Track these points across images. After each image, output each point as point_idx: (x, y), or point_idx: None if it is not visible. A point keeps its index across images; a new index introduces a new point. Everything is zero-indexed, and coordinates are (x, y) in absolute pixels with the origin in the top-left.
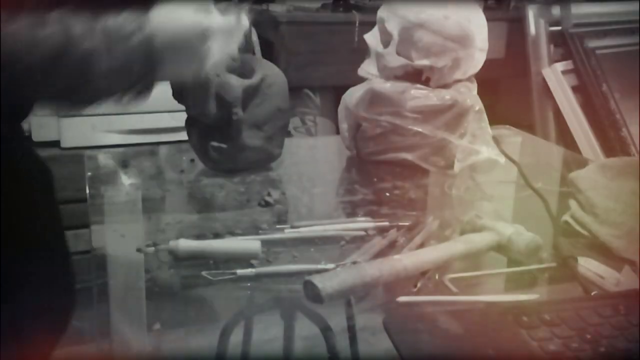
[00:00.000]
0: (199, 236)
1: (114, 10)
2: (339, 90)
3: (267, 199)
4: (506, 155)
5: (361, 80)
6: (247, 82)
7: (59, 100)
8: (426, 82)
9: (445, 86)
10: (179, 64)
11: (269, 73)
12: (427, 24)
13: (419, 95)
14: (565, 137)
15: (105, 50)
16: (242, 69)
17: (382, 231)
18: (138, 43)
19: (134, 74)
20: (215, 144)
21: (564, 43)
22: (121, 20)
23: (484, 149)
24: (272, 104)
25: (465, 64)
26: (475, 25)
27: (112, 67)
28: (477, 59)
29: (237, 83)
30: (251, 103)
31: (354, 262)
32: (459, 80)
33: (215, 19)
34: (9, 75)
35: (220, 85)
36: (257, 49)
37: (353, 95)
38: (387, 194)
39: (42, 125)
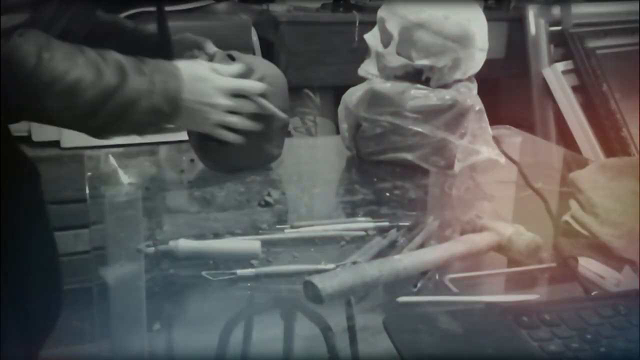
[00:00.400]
0: (199, 236)
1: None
2: (339, 90)
3: (267, 199)
4: (506, 155)
5: (361, 80)
6: None
7: (93, 131)
8: (426, 82)
9: (446, 86)
10: (196, 116)
11: (269, 73)
12: (427, 24)
13: (419, 95)
14: (566, 137)
15: (147, 92)
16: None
17: (382, 231)
18: (171, 88)
19: (163, 116)
20: (213, 143)
21: (564, 43)
22: (158, 65)
23: (484, 149)
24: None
25: (466, 64)
26: (476, 25)
27: (149, 107)
28: (477, 59)
29: None
30: None
31: (354, 262)
32: (459, 80)
33: (232, 81)
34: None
35: None
36: (257, 49)
37: (353, 95)
38: (387, 194)
39: (41, 125)
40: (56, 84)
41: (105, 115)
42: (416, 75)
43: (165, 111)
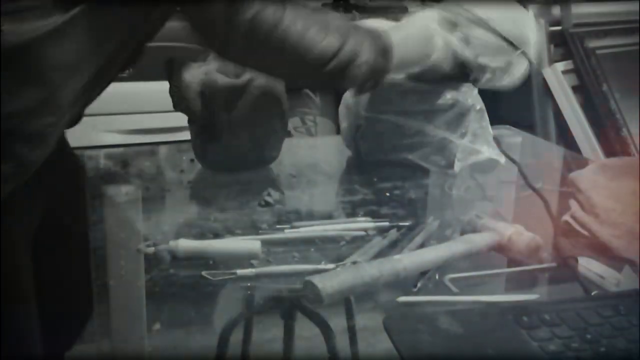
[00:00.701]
0: (199, 236)
1: None
2: (339, 90)
3: (267, 199)
4: (507, 156)
5: None
6: (231, 82)
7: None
8: (474, 83)
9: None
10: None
11: (260, 75)
12: (485, 21)
13: (419, 95)
14: (566, 137)
15: (363, 51)
16: (236, 69)
17: (382, 231)
18: (382, 45)
19: (380, 71)
20: (199, 142)
21: (564, 43)
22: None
23: (484, 148)
24: (260, 106)
25: (516, 69)
26: (530, 30)
27: (366, 64)
28: (525, 65)
29: (220, 82)
30: (238, 104)
31: (354, 262)
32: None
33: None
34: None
35: (205, 83)
36: None
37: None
38: (387, 194)
39: None
40: (290, 42)
41: (328, 72)
42: (463, 74)
43: (379, 65)
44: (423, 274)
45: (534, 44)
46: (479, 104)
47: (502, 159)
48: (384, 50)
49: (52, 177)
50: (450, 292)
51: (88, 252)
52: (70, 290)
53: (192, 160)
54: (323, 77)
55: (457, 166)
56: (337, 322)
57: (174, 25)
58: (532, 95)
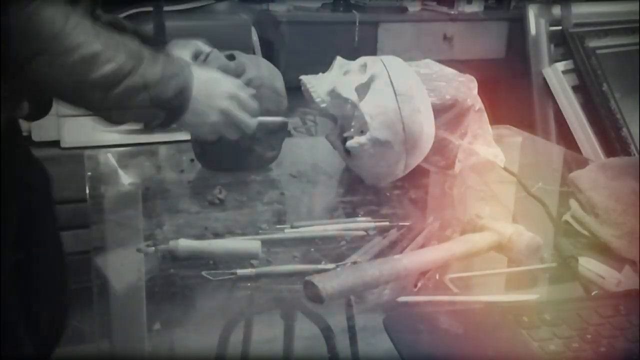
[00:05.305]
0: (199, 236)
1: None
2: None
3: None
4: (505, 169)
5: None
6: None
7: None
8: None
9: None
10: (201, 115)
11: (260, 75)
12: None
13: None
14: (566, 137)
15: (158, 81)
16: (236, 69)
17: (382, 231)
18: (181, 82)
19: (170, 108)
20: (199, 142)
21: (565, 43)
22: (171, 59)
23: (484, 149)
24: (260, 106)
25: None
26: None
27: (158, 96)
28: None
29: None
30: None
31: (354, 262)
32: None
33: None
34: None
35: None
36: (257, 48)
37: None
38: (387, 194)
39: (41, 125)
40: (73, 53)
41: (114, 96)
42: None
43: (173, 104)
44: (423, 273)
45: None
46: (478, 104)
47: (502, 160)
48: (181, 88)
49: (16, 185)
50: (450, 292)
51: (60, 255)
52: (46, 294)
53: (192, 160)
54: (106, 102)
55: (458, 166)
56: (337, 322)
57: (174, 25)
58: (532, 95)
